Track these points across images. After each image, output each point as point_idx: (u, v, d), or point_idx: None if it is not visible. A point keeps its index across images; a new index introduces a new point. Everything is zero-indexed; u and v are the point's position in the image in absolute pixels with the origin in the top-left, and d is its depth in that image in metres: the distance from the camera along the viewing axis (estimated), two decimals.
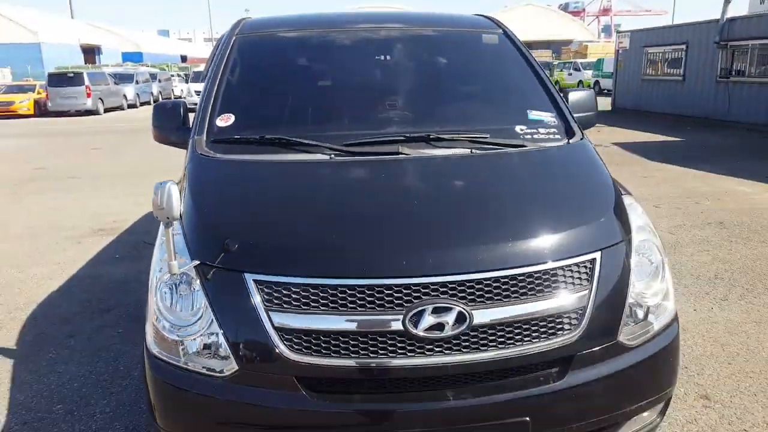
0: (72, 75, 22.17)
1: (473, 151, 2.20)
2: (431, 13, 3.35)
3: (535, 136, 2.36)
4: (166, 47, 62.77)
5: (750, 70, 13.21)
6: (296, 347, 1.61)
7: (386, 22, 3.04)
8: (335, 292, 1.62)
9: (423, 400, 1.63)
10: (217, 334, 1.67)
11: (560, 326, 1.69)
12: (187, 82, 26.84)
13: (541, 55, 53.84)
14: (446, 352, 1.62)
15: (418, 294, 1.61)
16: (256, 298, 1.63)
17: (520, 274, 1.68)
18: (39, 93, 22.92)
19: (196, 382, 1.68)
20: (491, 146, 2.24)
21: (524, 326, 1.66)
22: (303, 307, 1.62)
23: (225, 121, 2.36)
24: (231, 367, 1.65)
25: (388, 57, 2.80)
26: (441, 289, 1.62)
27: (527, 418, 1.64)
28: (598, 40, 55.29)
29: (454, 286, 1.63)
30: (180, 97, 33.07)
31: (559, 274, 1.72)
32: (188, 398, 1.69)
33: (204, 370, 1.68)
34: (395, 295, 1.61)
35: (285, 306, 1.62)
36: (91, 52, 47.98)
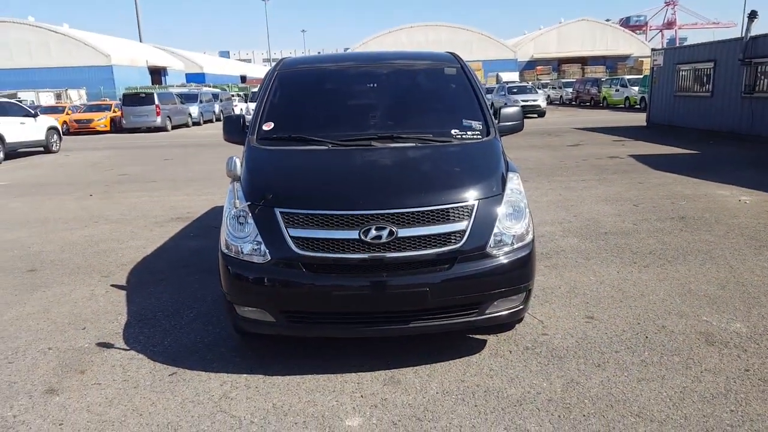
0: (144, 95, 24.91)
1: (417, 144, 3.60)
2: (416, 51, 4.80)
3: (463, 136, 3.74)
4: (227, 68, 66.82)
5: (765, 86, 13.84)
6: (302, 247, 3.04)
7: (380, 60, 4.51)
8: (323, 218, 3.04)
9: (368, 277, 3.01)
10: (259, 242, 3.11)
11: (450, 240, 3.06)
12: (246, 101, 29.14)
13: (595, 72, 53.83)
14: (382, 251, 3.00)
15: (368, 219, 3.01)
16: (281, 221, 3.08)
17: (426, 211, 3.05)
18: (115, 112, 25.77)
19: (248, 266, 3.13)
20: (430, 141, 3.64)
21: (427, 239, 3.03)
22: (306, 225, 3.05)
23: (268, 126, 3.86)
24: (267, 258, 3.09)
25: (375, 84, 4.27)
26: (380, 217, 3.01)
27: (427, 289, 3.00)
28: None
29: (388, 215, 3.02)
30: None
31: (450, 211, 3.08)
32: (243, 275, 3.14)
33: (252, 260, 3.12)
34: (355, 219, 3.02)
35: (296, 225, 3.06)
36: (157, 73, 51.99)
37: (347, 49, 77.62)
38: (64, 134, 19.17)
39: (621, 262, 5.13)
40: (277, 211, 3.11)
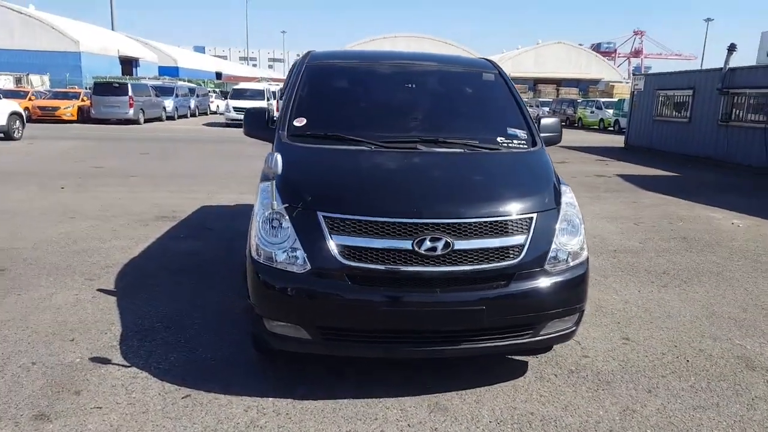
0: (117, 85, 23.89)
1: (465, 150, 3.33)
2: (450, 55, 4.54)
3: (510, 145, 3.49)
4: (202, 63, 65.23)
5: (746, 116, 14.22)
6: (347, 256, 2.71)
7: (418, 60, 4.24)
8: (374, 225, 2.72)
9: (420, 292, 2.71)
10: (297, 249, 2.76)
11: (507, 255, 2.78)
12: (225, 98, 28.28)
13: (569, 93, 54.94)
14: (437, 264, 2.70)
15: (422, 229, 2.71)
16: (324, 227, 2.74)
17: (485, 222, 2.77)
18: (83, 100, 24.63)
19: (283, 276, 2.77)
20: (477, 148, 3.37)
21: (485, 252, 2.75)
22: (354, 232, 2.72)
23: (299, 122, 3.51)
24: (306, 267, 2.74)
25: (414, 85, 3.99)
26: (435, 227, 2.72)
27: (483, 307, 2.71)
28: (627, 81, 56.31)
29: (443, 225, 2.73)
30: (216, 112, 34.75)
31: (508, 224, 2.81)
32: (277, 285, 2.78)
33: (288, 269, 2.77)
34: (408, 228, 2.71)
35: (342, 231, 2.73)
36: (128, 64, 50.22)
37: None
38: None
39: (639, 282, 4.96)
40: (320, 215, 2.78)
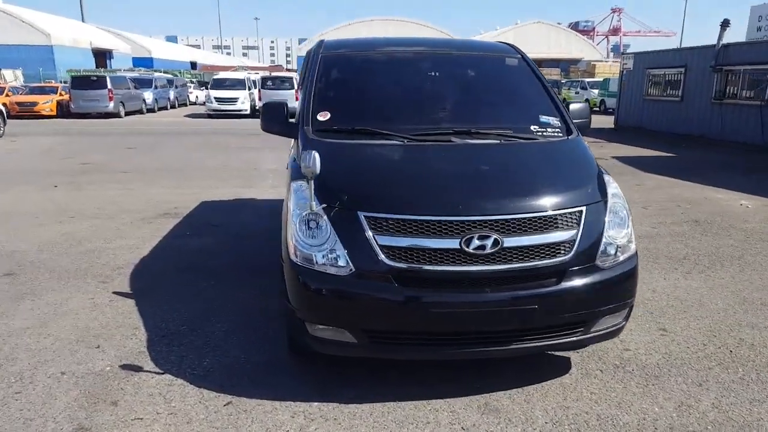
0: (95, 78, 23.30)
1: (501, 140, 3.25)
2: (468, 40, 4.44)
3: (544, 133, 3.41)
4: (176, 53, 64.13)
5: (741, 93, 14.32)
6: (392, 257, 2.62)
7: (436, 47, 4.13)
8: (420, 224, 2.63)
9: (469, 292, 2.64)
10: (338, 251, 2.67)
11: (558, 251, 2.71)
12: (203, 88, 27.73)
13: (551, 74, 55.01)
14: (486, 263, 2.63)
15: (469, 227, 2.63)
16: (367, 227, 2.65)
17: (535, 218, 2.70)
18: (61, 95, 24.02)
19: (327, 278, 2.68)
20: (513, 138, 3.29)
21: (536, 249, 2.68)
22: (398, 232, 2.64)
23: (324, 116, 3.40)
24: (349, 269, 2.65)
25: (437, 73, 3.88)
26: (483, 224, 2.64)
27: (536, 306, 2.65)
28: (607, 60, 56.45)
29: (491, 222, 2.65)
30: (195, 103, 34.15)
31: (558, 218, 2.74)
32: (321, 288, 2.69)
33: (331, 271, 2.68)
34: (455, 227, 2.63)
35: (386, 231, 2.64)
36: (102, 56, 49.10)
37: (304, 39, 76.12)
38: None
39: (662, 269, 4.95)
40: (362, 215, 2.68)
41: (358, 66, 3.94)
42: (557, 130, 3.47)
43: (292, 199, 2.93)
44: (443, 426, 2.66)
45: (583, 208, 2.82)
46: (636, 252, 2.99)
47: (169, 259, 5.18)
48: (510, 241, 2.65)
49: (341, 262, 2.67)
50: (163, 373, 3.12)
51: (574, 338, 2.81)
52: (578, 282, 2.73)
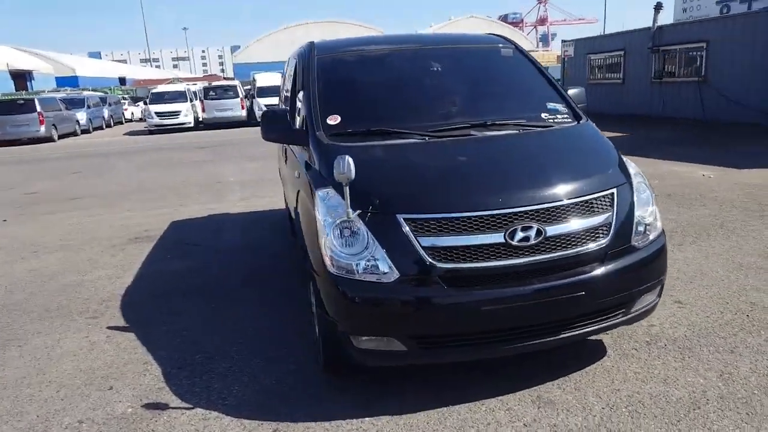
0: (22, 102, 21.98)
1: (520, 130, 3.24)
2: (458, 33, 4.42)
3: (555, 120, 3.43)
4: (102, 70, 61.52)
5: (678, 72, 15.07)
6: (438, 258, 2.56)
7: (428, 42, 4.10)
8: (461, 221, 2.58)
9: (518, 286, 2.61)
10: (379, 258, 2.58)
11: (598, 235, 2.73)
12: (145, 104, 26.66)
13: None
14: (531, 254, 2.61)
15: (512, 219, 2.60)
16: (407, 230, 2.58)
17: (571, 204, 2.70)
18: None
19: (371, 287, 2.59)
20: (529, 127, 3.29)
21: (577, 235, 2.68)
22: (441, 232, 2.58)
23: (334, 120, 3.29)
24: (394, 275, 2.57)
25: (439, 68, 3.84)
26: (524, 215, 2.62)
27: (582, 292, 2.65)
28: (537, 49, 58.27)
29: (532, 212, 2.63)
30: (131, 120, 32.87)
31: (593, 202, 2.76)
32: (366, 298, 2.60)
33: (374, 279, 2.59)
34: (497, 220, 2.59)
35: (428, 232, 2.58)
36: (21, 78, 46.41)
37: (237, 47, 74.63)
38: None
39: None
40: (400, 218, 2.61)
41: (357, 66, 3.85)
42: (566, 116, 3.50)
43: (320, 208, 2.81)
44: (504, 425, 2.62)
45: (614, 190, 2.86)
46: (663, 230, 3.04)
47: (158, 285, 4.91)
48: (552, 230, 2.64)
49: (385, 269, 2.58)
50: (192, 408, 2.94)
51: (618, 320, 2.84)
52: (619, 264, 2.75)
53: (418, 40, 4.23)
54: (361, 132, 3.22)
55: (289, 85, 4.97)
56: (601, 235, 2.74)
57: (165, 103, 23.72)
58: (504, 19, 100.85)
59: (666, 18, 22.29)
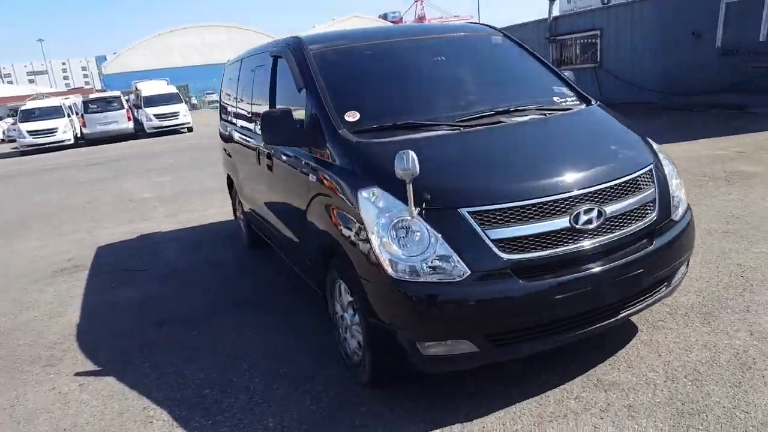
0: None
1: (546, 114, 3.23)
2: (440, 24, 4.36)
3: (567, 103, 3.46)
4: None
5: (575, 59, 16.18)
6: (508, 249, 2.47)
7: (422, 34, 4.00)
8: (528, 209, 2.51)
9: (586, 270, 2.57)
10: (446, 255, 2.44)
11: (646, 211, 2.78)
12: (16, 122, 23.91)
13: None
14: (595, 236, 2.59)
15: (574, 202, 2.57)
16: (473, 223, 2.46)
17: (622, 182, 2.72)
18: None
19: (439, 288, 2.44)
20: (551, 111, 3.29)
21: (631, 213, 2.71)
22: (506, 222, 2.48)
23: (353, 116, 3.08)
24: (464, 273, 2.44)
25: (442, 57, 3.74)
26: (585, 198, 2.59)
27: (642, 270, 2.68)
28: None
29: (591, 194, 2.61)
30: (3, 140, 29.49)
31: (639, 180, 2.80)
32: (435, 300, 2.44)
33: (442, 279, 2.44)
34: (562, 204, 2.54)
35: (496, 224, 2.47)
36: None
37: (103, 57, 69.60)
38: None
39: None
40: (464, 211, 2.48)
41: (358, 59, 3.64)
42: (573, 98, 3.55)
43: (368, 209, 2.60)
44: (582, 413, 2.58)
45: (651, 166, 2.92)
46: (688, 204, 3.17)
47: (118, 319, 4.38)
48: (610, 210, 2.64)
49: (454, 267, 2.44)
50: None
51: (662, 294, 2.90)
52: (665, 238, 2.81)
53: (408, 31, 4.11)
54: (388, 127, 3.04)
55: (248, 89, 4.66)
56: (649, 211, 2.79)
57: (37, 120, 21.55)
58: (384, 17, 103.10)
59: (541, 10, 23.83)
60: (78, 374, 3.55)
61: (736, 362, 2.84)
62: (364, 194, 2.65)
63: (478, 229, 2.46)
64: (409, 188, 2.41)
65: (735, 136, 8.92)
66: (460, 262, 2.44)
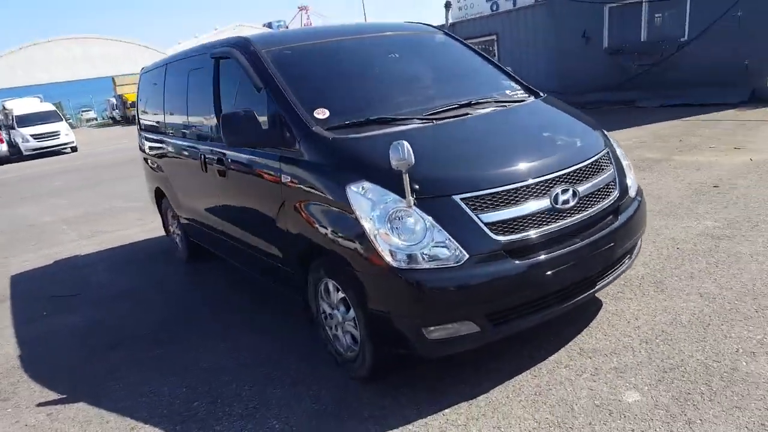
0: None
1: (507, 105, 3.49)
2: (384, 22, 4.52)
3: (519, 95, 3.76)
4: None
5: None
6: (500, 232, 2.67)
7: (371, 32, 4.12)
8: (513, 192, 2.73)
9: (569, 246, 2.83)
10: (444, 241, 2.60)
11: (610, 190, 3.10)
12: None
13: None
14: (573, 214, 2.86)
15: (553, 183, 2.83)
16: (467, 209, 2.65)
17: (588, 164, 3.02)
18: None
19: (440, 273, 2.59)
20: (507, 103, 3.56)
21: (599, 192, 3.02)
22: (499, 205, 2.69)
23: (322, 114, 3.16)
24: (462, 255, 2.61)
25: (396, 54, 3.90)
26: (560, 179, 2.86)
27: (613, 243, 3.00)
28: None
29: (565, 176, 2.88)
30: None
31: (600, 161, 3.12)
32: (438, 285, 2.58)
33: (442, 265, 2.60)
34: (543, 186, 2.79)
35: (487, 208, 2.67)
36: None
37: None
38: None
39: None
40: (457, 198, 2.66)
41: (314, 58, 3.69)
42: (521, 91, 3.85)
43: (360, 203, 2.69)
44: (575, 378, 2.83)
45: (607, 149, 3.27)
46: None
47: (59, 346, 4.12)
48: (582, 190, 2.93)
49: (453, 252, 2.60)
50: None
51: (626, 265, 3.24)
52: (628, 214, 3.16)
53: (357, 30, 4.21)
54: (360, 122, 3.15)
55: (181, 94, 4.58)
56: (612, 190, 3.12)
57: (36, 124, 22.23)
58: (269, 26, 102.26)
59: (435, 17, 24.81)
60: (41, 404, 3.33)
61: (696, 321, 3.23)
62: (353, 188, 2.74)
63: (472, 215, 2.65)
64: (406, 178, 2.54)
65: (631, 128, 9.89)
66: (459, 247, 2.61)
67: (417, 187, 2.66)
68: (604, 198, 3.05)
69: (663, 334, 3.14)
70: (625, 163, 3.42)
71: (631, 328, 3.25)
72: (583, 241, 2.88)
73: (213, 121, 4.02)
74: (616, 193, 3.13)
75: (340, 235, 2.83)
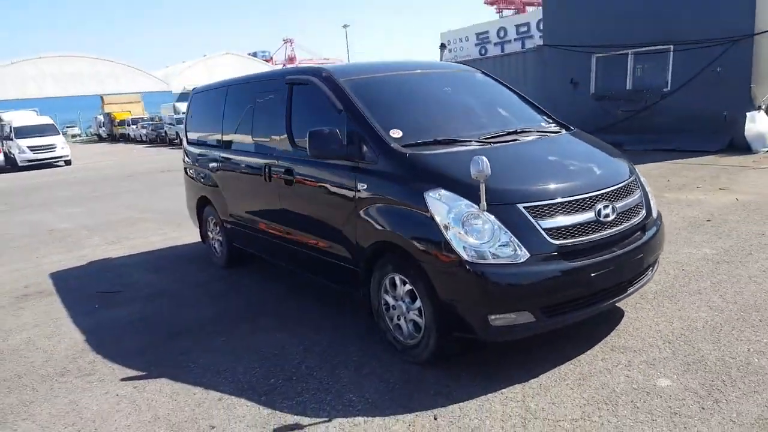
0: None
1: (547, 135, 4.01)
2: (433, 61, 5.07)
3: (553, 127, 4.27)
4: None
5: None
6: (555, 236, 3.13)
7: (427, 68, 4.69)
8: (567, 204, 3.19)
9: (610, 253, 3.30)
10: (509, 242, 3.05)
11: (639, 209, 3.59)
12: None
13: None
14: (613, 226, 3.34)
15: (597, 200, 3.31)
16: (529, 216, 3.10)
17: (624, 185, 3.52)
18: None
19: (506, 269, 3.03)
20: (547, 134, 4.07)
21: (631, 210, 3.51)
22: (554, 214, 3.15)
23: (397, 134, 3.62)
24: (524, 254, 3.05)
25: (449, 88, 4.43)
26: (603, 196, 3.34)
27: (642, 254, 3.47)
28: None
29: (607, 193, 3.37)
30: None
31: (632, 183, 3.63)
32: (503, 279, 3.03)
33: (507, 261, 3.04)
34: (589, 201, 3.27)
35: (544, 216, 3.13)
36: None
37: None
38: None
39: None
40: (521, 207, 3.12)
41: (383, 87, 4.22)
42: (554, 125, 4.37)
43: (438, 208, 3.13)
44: (612, 368, 3.24)
45: (635, 176, 3.78)
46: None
47: (122, 334, 4.39)
48: (619, 206, 3.42)
49: (516, 251, 3.04)
50: (329, 420, 2.95)
51: (650, 276, 3.72)
52: (653, 231, 3.65)
53: (415, 66, 4.76)
54: (429, 142, 3.61)
55: (248, 114, 5.03)
56: (640, 210, 3.61)
57: (34, 136, 22.48)
58: (254, 55, 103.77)
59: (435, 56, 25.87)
60: (124, 380, 3.61)
61: (708, 327, 3.69)
62: (431, 194, 3.19)
63: (533, 221, 3.11)
64: (482, 187, 3.00)
65: None
66: (521, 247, 3.06)
67: (498, 195, 3.12)
68: (634, 215, 3.53)
69: (682, 336, 3.60)
70: (648, 188, 3.93)
71: (653, 331, 3.70)
72: (622, 250, 3.35)
73: (282, 136, 4.45)
74: (643, 212, 3.62)
75: (415, 234, 3.25)
